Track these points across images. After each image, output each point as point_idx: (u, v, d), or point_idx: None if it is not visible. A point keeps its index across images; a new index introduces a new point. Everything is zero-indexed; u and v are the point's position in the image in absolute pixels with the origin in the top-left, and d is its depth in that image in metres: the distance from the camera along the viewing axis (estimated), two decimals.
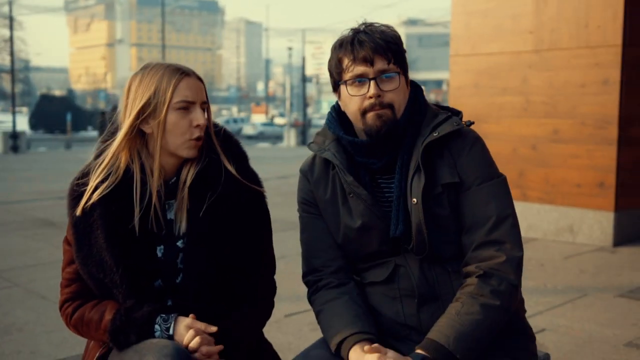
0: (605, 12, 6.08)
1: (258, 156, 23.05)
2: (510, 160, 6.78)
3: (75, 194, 1.91)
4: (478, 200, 1.82)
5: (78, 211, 1.87)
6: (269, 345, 2.10)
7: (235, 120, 52.85)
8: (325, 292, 1.95)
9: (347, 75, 1.88)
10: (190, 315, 1.83)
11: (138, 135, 1.90)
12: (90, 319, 1.88)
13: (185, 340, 1.78)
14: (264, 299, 2.03)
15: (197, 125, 1.87)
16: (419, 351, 1.70)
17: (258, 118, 70.15)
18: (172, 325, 1.82)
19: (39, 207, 10.10)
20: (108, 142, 1.92)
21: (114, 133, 1.93)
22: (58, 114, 44.52)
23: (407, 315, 1.88)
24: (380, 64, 1.84)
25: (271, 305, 2.06)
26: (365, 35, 1.87)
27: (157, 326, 1.82)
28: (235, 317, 1.92)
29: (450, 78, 7.42)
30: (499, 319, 1.76)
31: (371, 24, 1.91)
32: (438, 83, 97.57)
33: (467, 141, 1.87)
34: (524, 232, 2.01)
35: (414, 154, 1.85)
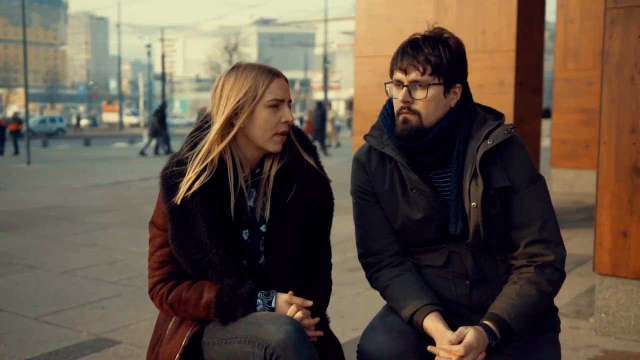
0: (500, 21, 6.73)
1: (124, 156, 22.51)
2: None
3: (170, 183, 2.05)
4: (526, 202, 2.09)
5: (178, 199, 2.01)
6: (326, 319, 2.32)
7: (52, 119, 47.34)
8: (389, 270, 2.18)
9: (393, 77, 2.14)
10: (290, 292, 2.02)
11: (230, 129, 2.05)
12: (188, 298, 2.02)
13: (288, 313, 1.97)
14: (328, 276, 2.25)
15: (286, 122, 2.06)
16: (486, 322, 2.00)
17: (110, 117, 67.67)
18: (273, 299, 2.01)
19: None
20: (200, 136, 2.07)
21: (201, 128, 2.09)
22: None
23: (460, 295, 2.15)
24: (413, 75, 2.07)
25: (331, 282, 2.28)
26: (412, 48, 2.09)
27: (259, 300, 2.00)
28: (314, 293, 2.13)
29: (355, 78, 7.83)
30: (547, 303, 2.11)
31: (432, 34, 2.11)
32: (291, 82, 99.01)
33: (515, 147, 2.12)
34: None
35: (469, 158, 2.09)
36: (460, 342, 1.93)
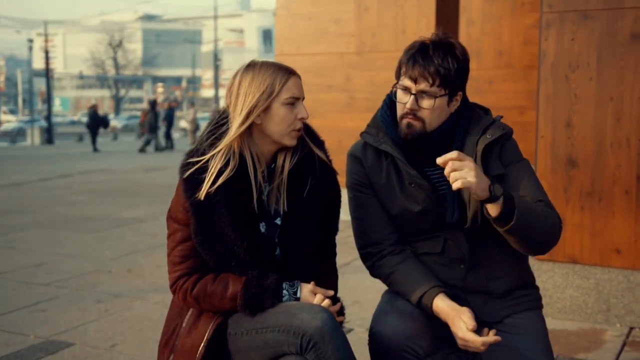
0: (419, 22, 7.00)
1: (11, 156, 21.37)
2: (337, 151, 7.31)
3: (192, 178, 2.07)
4: (517, 174, 2.21)
5: (201, 195, 2.04)
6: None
7: None
8: (391, 258, 2.29)
9: (400, 81, 2.24)
10: (312, 282, 2.10)
11: (248, 126, 2.10)
12: (213, 291, 2.05)
13: (316, 302, 2.05)
14: (335, 264, 2.34)
15: (302, 118, 2.13)
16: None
17: None
18: (298, 289, 2.08)
19: None
20: (219, 131, 2.11)
21: (219, 123, 2.13)
22: None
23: (455, 279, 2.29)
24: (422, 85, 2.17)
25: (337, 270, 2.37)
26: (423, 57, 2.17)
27: (284, 291, 2.07)
28: (327, 281, 2.22)
29: None
30: (547, 230, 2.14)
31: (440, 42, 2.19)
32: (178, 80, 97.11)
33: (507, 137, 2.27)
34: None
35: (468, 150, 2.21)
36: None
